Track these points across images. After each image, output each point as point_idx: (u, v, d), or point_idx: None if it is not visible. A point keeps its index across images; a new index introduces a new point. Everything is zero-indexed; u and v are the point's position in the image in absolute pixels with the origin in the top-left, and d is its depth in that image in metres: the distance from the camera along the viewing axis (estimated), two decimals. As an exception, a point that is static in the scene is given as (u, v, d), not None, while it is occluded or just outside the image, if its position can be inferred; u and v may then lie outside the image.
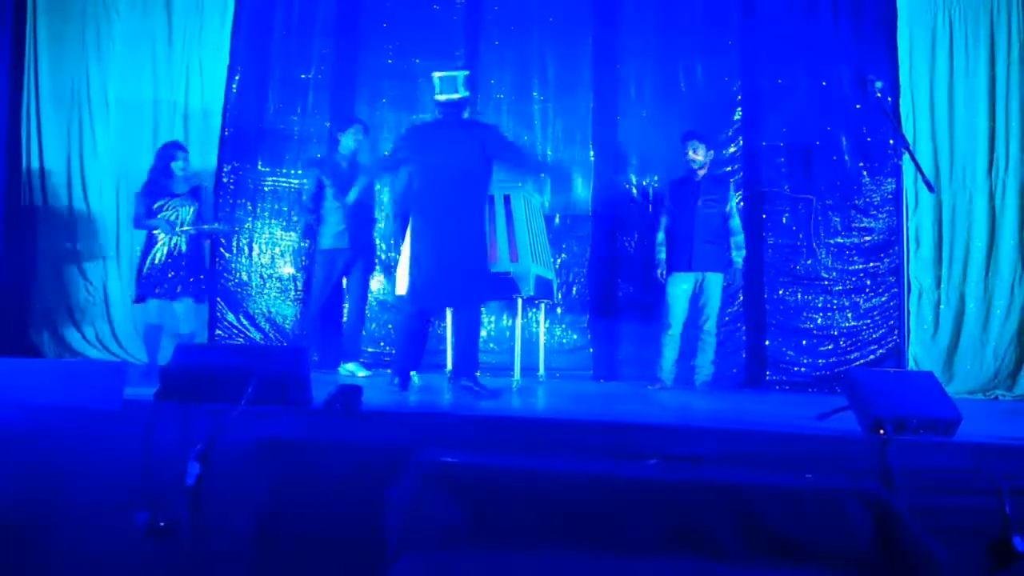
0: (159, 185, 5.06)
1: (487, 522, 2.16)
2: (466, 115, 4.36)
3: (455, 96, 4.23)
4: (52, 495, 2.63)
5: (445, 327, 5.63)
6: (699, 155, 5.22)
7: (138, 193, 5.14)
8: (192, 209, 5.04)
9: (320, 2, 6.49)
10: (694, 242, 5.12)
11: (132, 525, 2.42)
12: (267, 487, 2.53)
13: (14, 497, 2.64)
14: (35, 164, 6.35)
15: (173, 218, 4.97)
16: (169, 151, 5.14)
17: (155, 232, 4.98)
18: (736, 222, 5.26)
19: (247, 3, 6.40)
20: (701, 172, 5.26)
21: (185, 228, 4.97)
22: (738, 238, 5.23)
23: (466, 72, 4.47)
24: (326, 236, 5.35)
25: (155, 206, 5.00)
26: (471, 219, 4.16)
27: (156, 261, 4.96)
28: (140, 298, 5.07)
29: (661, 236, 5.34)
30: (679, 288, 5.16)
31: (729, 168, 5.95)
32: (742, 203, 5.91)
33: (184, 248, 4.99)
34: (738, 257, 5.21)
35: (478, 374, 4.13)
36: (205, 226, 5.07)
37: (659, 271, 5.31)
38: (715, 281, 5.15)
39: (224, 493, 2.50)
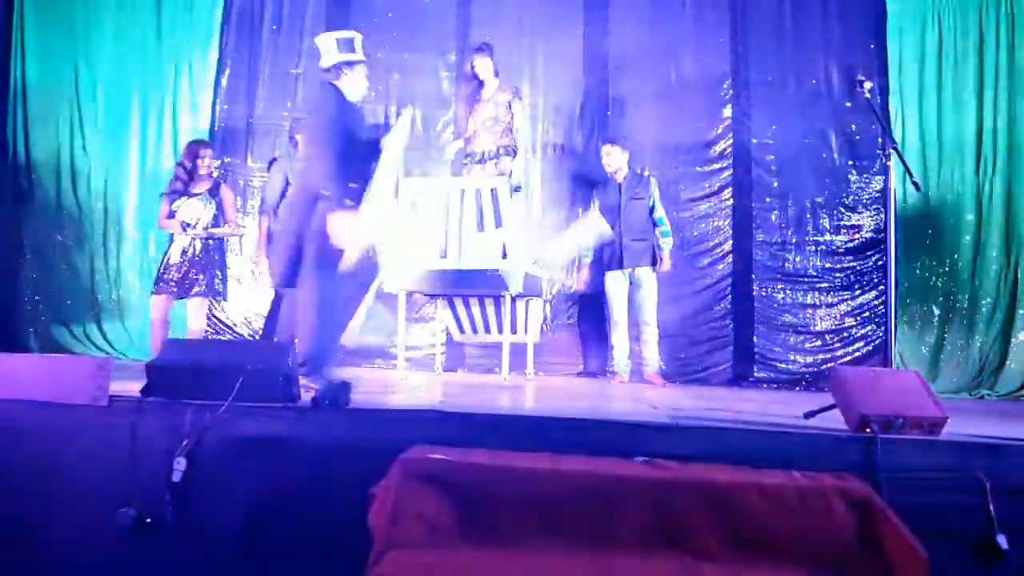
0: (179, 183, 5.03)
1: (473, 519, 2.16)
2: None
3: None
4: (37, 490, 2.61)
5: (435, 324, 5.65)
6: (612, 159, 5.35)
7: (163, 193, 5.09)
8: (210, 208, 4.99)
9: (310, -4, 6.49)
10: (622, 241, 5.25)
11: (118, 521, 2.41)
12: (253, 484, 2.52)
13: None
14: (22, 158, 6.32)
15: (188, 218, 4.93)
16: (195, 149, 5.09)
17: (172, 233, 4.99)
18: (660, 214, 5.33)
19: (237, -2, 6.40)
20: (620, 174, 5.37)
21: (194, 232, 4.94)
22: (664, 227, 5.31)
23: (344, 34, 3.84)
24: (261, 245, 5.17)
25: (173, 206, 4.97)
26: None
27: (170, 261, 4.96)
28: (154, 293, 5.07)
29: None
30: (614, 285, 5.31)
31: (718, 165, 5.99)
32: (731, 200, 5.95)
33: (199, 248, 4.94)
34: (666, 245, 5.28)
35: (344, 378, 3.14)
36: (214, 230, 4.99)
37: (581, 275, 5.52)
38: (646, 275, 5.26)
39: (210, 489, 2.50)
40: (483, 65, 5.33)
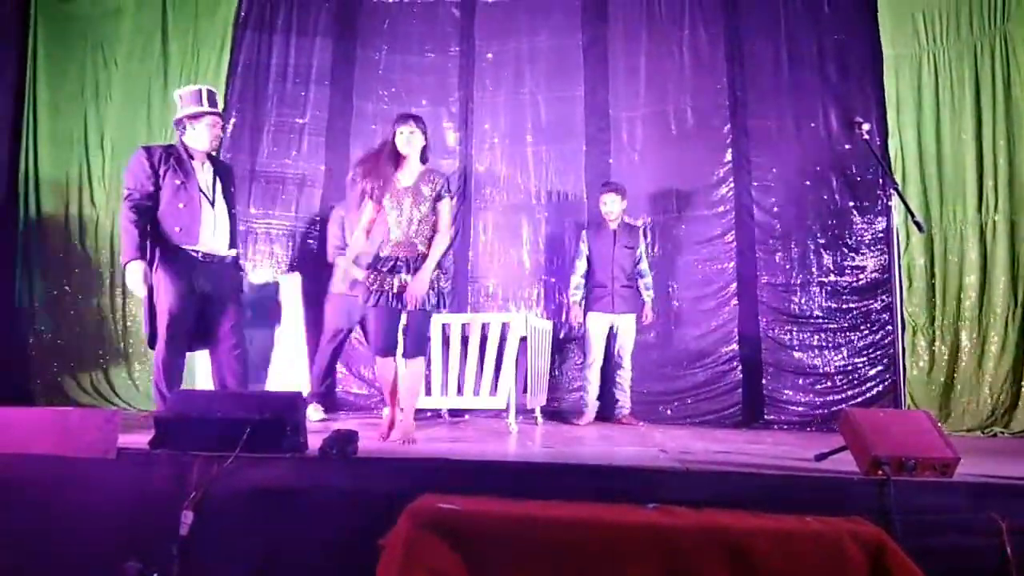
0: None
1: (483, 570, 2.13)
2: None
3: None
4: (44, 544, 2.60)
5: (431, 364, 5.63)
6: (613, 207, 5.55)
7: None
8: None
9: (316, 48, 6.63)
10: (614, 286, 5.49)
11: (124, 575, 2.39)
12: (261, 536, 2.50)
13: (6, 546, 2.61)
14: (33, 209, 6.39)
15: None
16: None
17: None
18: (645, 264, 5.64)
19: (243, 50, 6.53)
20: (615, 222, 5.56)
21: None
22: (647, 280, 5.62)
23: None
24: (338, 282, 5.29)
25: None
26: None
27: None
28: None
29: (578, 280, 5.63)
30: (598, 327, 5.52)
31: (721, 208, 6.03)
32: (735, 242, 5.97)
33: None
34: (648, 297, 5.58)
35: None
36: None
37: (572, 314, 5.64)
38: (629, 321, 5.53)
39: (217, 542, 2.48)
40: (411, 137, 3.88)
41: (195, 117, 4.01)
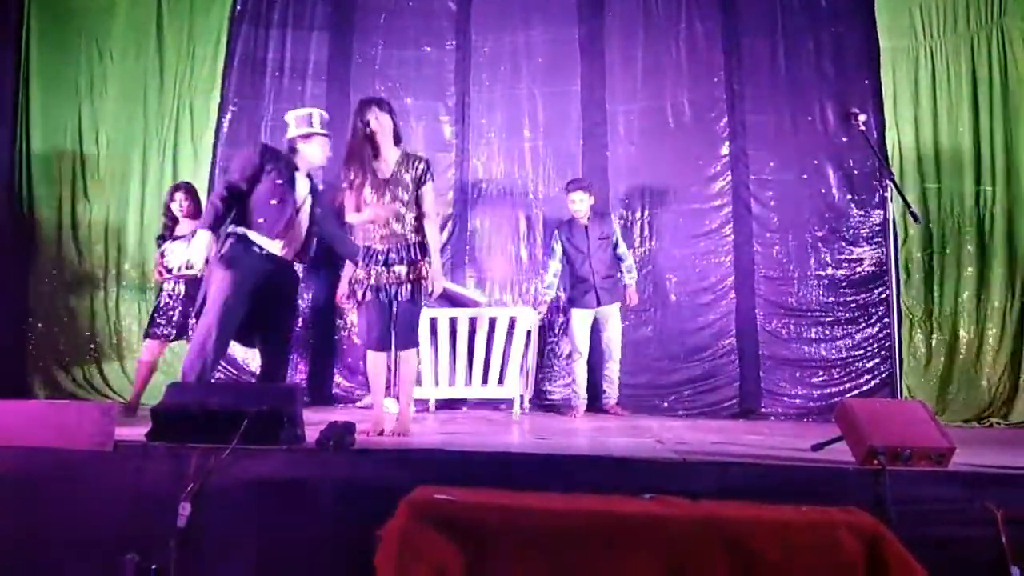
0: (164, 228, 5.24)
1: (480, 561, 2.13)
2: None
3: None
4: (42, 537, 2.60)
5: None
6: (582, 205, 5.54)
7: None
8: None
9: (313, 43, 6.63)
10: (595, 280, 5.49)
11: (122, 569, 2.39)
12: (259, 527, 2.50)
13: (3, 539, 2.61)
14: (27, 203, 6.39)
15: (173, 262, 4.99)
16: (169, 193, 5.29)
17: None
18: (623, 248, 5.64)
19: (239, 44, 6.53)
20: (585, 218, 5.56)
21: (167, 276, 5.02)
22: (628, 262, 5.64)
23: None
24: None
25: (160, 251, 5.13)
26: None
27: (160, 305, 5.11)
28: (144, 335, 5.22)
29: (550, 279, 5.65)
30: (582, 322, 5.53)
31: (718, 202, 6.03)
32: (732, 236, 5.97)
33: (183, 292, 5.04)
34: (631, 279, 5.63)
35: None
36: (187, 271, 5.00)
37: (540, 312, 5.68)
38: (613, 311, 5.55)
39: (215, 534, 2.48)
40: (382, 121, 3.71)
41: (307, 137, 4.14)
